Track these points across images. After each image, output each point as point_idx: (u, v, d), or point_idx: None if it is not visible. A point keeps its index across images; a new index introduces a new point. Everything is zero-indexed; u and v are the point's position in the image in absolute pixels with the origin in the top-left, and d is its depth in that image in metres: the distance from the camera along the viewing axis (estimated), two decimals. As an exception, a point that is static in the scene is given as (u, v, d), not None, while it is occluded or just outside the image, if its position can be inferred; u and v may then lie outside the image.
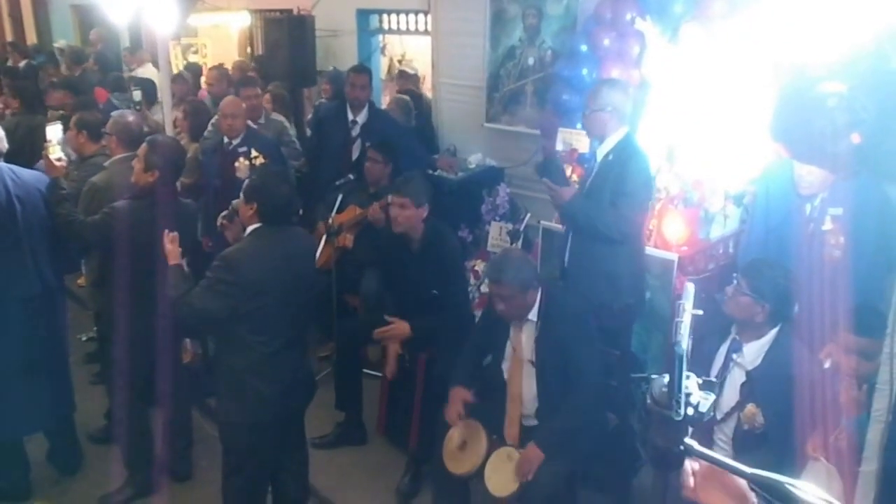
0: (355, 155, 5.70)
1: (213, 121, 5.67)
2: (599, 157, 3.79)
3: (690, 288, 1.76)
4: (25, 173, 3.92)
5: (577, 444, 3.37)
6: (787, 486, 1.44)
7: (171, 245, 3.45)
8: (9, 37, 14.61)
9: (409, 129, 6.28)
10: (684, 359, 1.66)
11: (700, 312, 1.75)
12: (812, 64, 3.35)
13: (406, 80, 7.67)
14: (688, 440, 1.66)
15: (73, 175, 4.54)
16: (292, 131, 6.21)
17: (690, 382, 1.70)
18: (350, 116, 5.75)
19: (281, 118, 6.20)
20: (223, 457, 3.49)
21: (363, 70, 5.92)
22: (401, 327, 4.15)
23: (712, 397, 1.74)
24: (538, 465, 3.31)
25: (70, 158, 4.73)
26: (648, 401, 1.74)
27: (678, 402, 1.65)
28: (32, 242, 3.85)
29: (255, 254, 3.24)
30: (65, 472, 4.35)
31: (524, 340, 3.52)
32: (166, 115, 5.14)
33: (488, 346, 3.72)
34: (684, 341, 1.67)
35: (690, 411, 1.68)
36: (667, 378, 1.71)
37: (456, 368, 3.72)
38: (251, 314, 3.21)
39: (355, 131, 5.74)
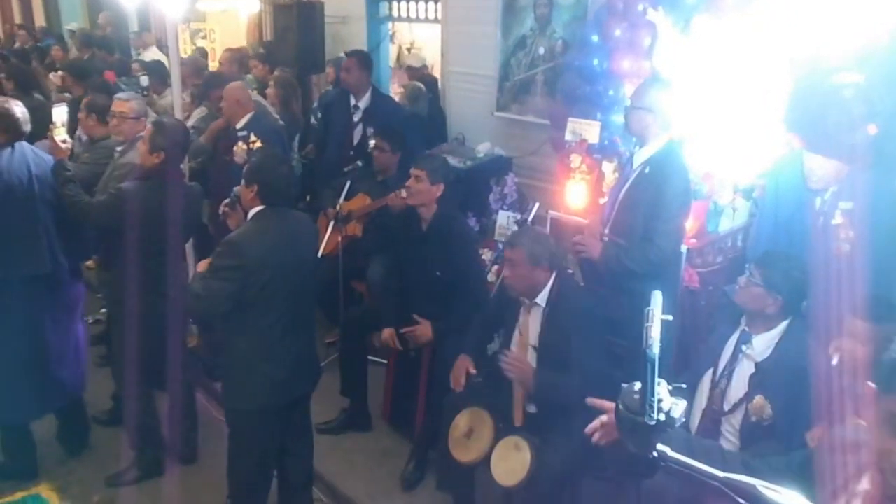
0: (357, 139, 5.76)
1: (191, 122, 5.76)
2: (636, 163, 3.65)
3: (658, 295, 1.78)
4: (45, 154, 3.94)
5: (580, 434, 3.37)
6: (759, 489, 1.43)
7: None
8: (17, 19, 14.59)
9: (413, 115, 6.25)
10: (656, 363, 1.66)
11: (669, 318, 1.77)
12: (826, 57, 3.32)
13: (413, 73, 7.64)
14: (660, 446, 1.66)
15: (84, 158, 4.55)
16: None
17: (661, 388, 1.69)
18: (353, 101, 5.80)
19: (258, 98, 6.18)
20: (229, 440, 3.50)
21: (352, 54, 5.98)
22: (424, 329, 4.16)
23: (683, 403, 1.74)
24: (521, 373, 3.41)
25: (81, 140, 4.74)
26: (620, 407, 1.73)
27: (651, 407, 1.65)
28: (48, 222, 3.87)
29: (258, 235, 3.25)
30: (72, 453, 4.38)
31: (531, 325, 3.53)
32: (175, 98, 5.13)
33: (498, 325, 3.75)
34: (655, 346, 1.68)
35: (662, 417, 1.67)
36: (638, 384, 1.72)
37: (467, 338, 3.77)
38: (257, 296, 3.22)
39: (357, 116, 5.80)
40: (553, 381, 3.38)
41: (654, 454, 1.67)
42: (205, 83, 6.19)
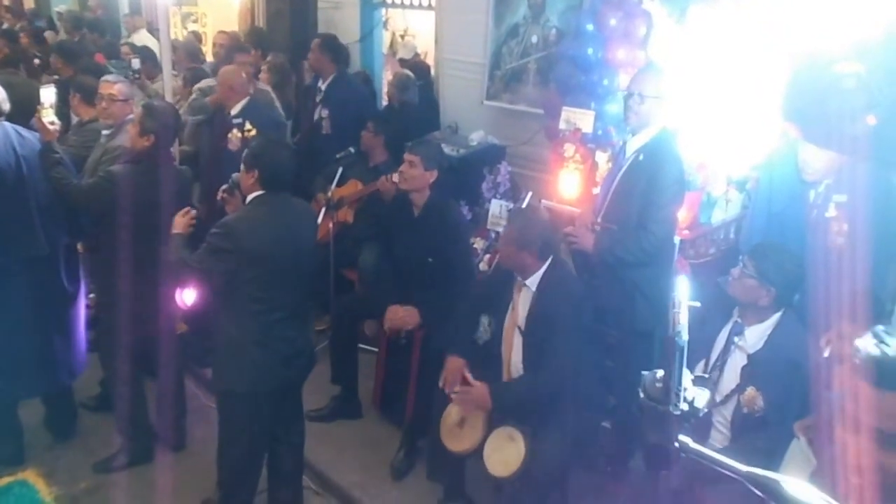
0: (315, 118, 6.08)
1: (199, 85, 5.73)
2: (629, 151, 3.64)
3: (684, 282, 1.73)
4: (29, 134, 3.89)
5: (572, 423, 3.37)
6: (782, 484, 1.42)
7: (179, 218, 3.46)
8: (5, 0, 14.40)
9: (402, 104, 6.23)
10: (684, 351, 1.63)
11: (697, 304, 1.73)
12: (826, 47, 3.31)
13: (404, 64, 7.59)
14: (682, 437, 1.63)
15: (72, 140, 4.50)
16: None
17: (685, 377, 1.66)
18: (319, 83, 6.12)
19: (267, 88, 6.17)
20: (219, 427, 3.48)
21: (318, 36, 6.33)
22: (411, 315, 4.15)
23: (707, 393, 1.71)
24: (476, 405, 3.39)
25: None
26: (641, 395, 1.70)
27: (677, 396, 1.62)
28: (39, 204, 3.83)
29: (254, 221, 3.22)
30: (60, 439, 4.34)
31: (520, 306, 3.53)
32: (166, 82, 5.09)
33: (488, 306, 3.72)
34: (684, 333, 1.64)
35: (686, 406, 1.64)
36: (660, 372, 1.68)
37: (455, 333, 3.71)
38: (251, 282, 3.20)
39: (318, 97, 6.09)
40: (511, 394, 3.41)
41: (676, 445, 1.63)
42: (193, 83, 6.15)
